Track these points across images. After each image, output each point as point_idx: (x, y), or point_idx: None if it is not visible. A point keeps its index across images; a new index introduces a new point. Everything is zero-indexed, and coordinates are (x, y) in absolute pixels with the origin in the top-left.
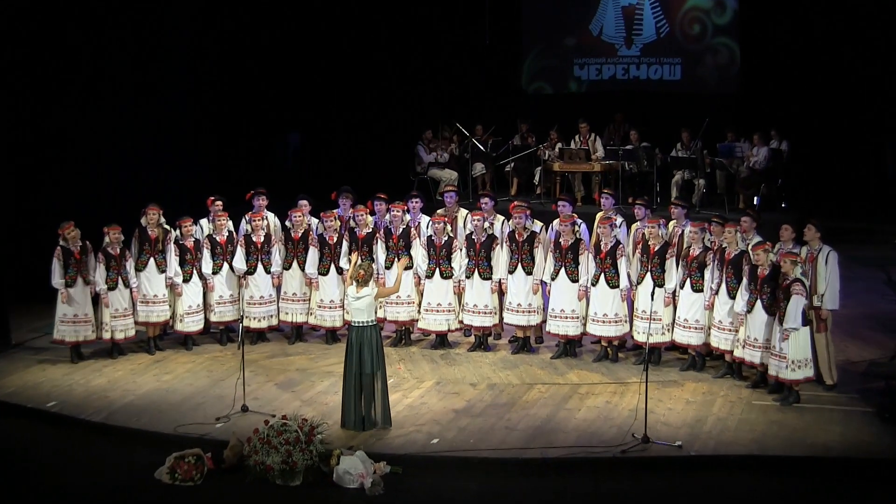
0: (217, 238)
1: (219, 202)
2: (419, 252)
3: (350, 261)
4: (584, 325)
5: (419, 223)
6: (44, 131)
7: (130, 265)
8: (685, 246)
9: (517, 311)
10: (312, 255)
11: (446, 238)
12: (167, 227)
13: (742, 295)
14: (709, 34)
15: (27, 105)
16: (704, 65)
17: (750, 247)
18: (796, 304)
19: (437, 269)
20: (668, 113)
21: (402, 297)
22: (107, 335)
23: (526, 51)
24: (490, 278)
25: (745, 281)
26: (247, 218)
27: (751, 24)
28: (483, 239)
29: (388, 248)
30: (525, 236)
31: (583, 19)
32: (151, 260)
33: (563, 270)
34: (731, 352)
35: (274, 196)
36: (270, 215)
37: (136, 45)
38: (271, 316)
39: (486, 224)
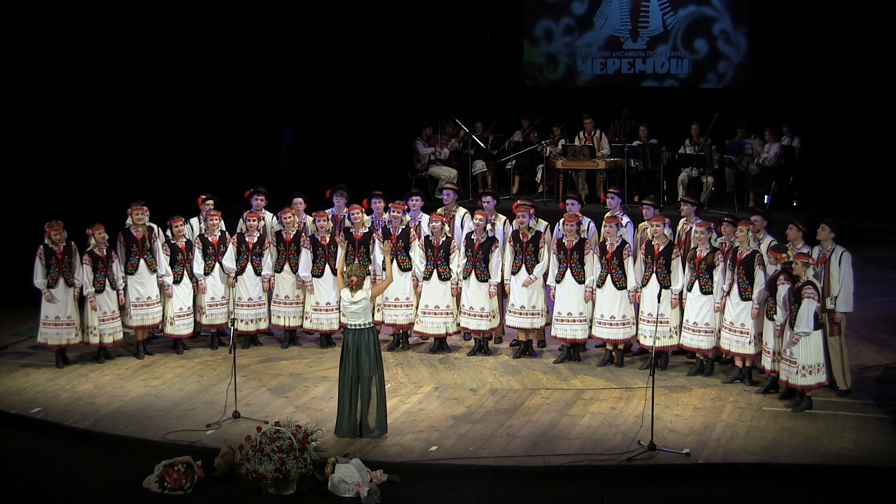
0: (209, 238)
1: (210, 201)
2: (417, 253)
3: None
4: (590, 327)
5: (419, 222)
6: (25, 129)
7: (117, 267)
8: (692, 247)
9: (520, 314)
10: (305, 257)
11: (444, 239)
12: (151, 225)
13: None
14: None
15: (8, 101)
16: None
17: (767, 249)
18: (808, 308)
19: (436, 270)
20: (676, 108)
21: (401, 299)
22: (94, 339)
23: (528, 44)
24: (487, 280)
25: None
26: (244, 217)
27: (763, 16)
28: (483, 240)
29: None
30: (529, 236)
31: (587, 12)
32: (142, 261)
33: (568, 272)
34: (742, 355)
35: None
36: (268, 215)
37: (122, 40)
38: (260, 319)
39: (488, 226)
